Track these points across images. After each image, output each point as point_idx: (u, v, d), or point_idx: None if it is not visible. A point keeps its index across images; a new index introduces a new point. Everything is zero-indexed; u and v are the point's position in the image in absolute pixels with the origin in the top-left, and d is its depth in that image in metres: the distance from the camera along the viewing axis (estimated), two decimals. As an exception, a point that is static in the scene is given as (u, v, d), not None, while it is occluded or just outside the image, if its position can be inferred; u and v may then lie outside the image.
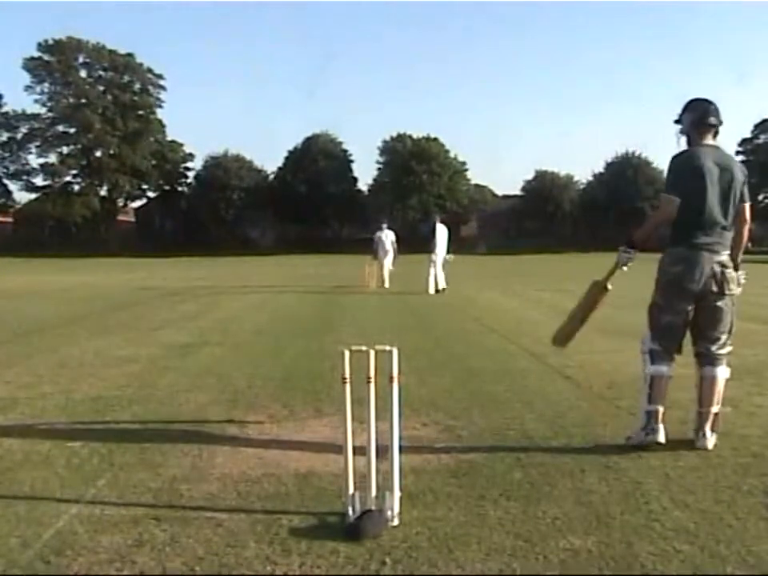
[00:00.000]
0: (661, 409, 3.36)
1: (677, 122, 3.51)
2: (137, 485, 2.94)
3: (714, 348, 3.42)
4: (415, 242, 18.84)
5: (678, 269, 3.34)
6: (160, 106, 58.80)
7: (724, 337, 3.44)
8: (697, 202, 3.30)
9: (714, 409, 3.39)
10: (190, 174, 60.18)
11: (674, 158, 3.43)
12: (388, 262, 15.48)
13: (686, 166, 3.37)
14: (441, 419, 3.99)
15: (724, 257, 3.38)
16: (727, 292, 3.37)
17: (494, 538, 2.40)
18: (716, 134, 3.44)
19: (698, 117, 3.40)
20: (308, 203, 53.22)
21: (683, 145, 3.49)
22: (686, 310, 3.37)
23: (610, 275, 3.54)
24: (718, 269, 3.34)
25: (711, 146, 3.41)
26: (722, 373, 3.43)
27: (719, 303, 3.38)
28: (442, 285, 13.69)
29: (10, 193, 56.68)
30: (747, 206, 3.46)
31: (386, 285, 14.85)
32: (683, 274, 3.33)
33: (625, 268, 3.45)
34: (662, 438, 3.32)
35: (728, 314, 3.41)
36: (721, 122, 3.42)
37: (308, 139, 57.48)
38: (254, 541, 2.39)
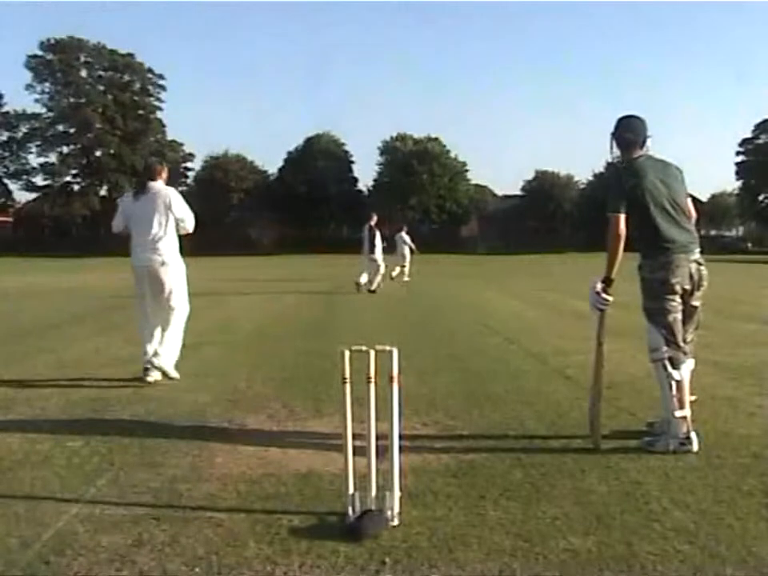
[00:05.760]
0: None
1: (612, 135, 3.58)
2: (137, 485, 2.94)
3: (687, 343, 3.46)
4: (415, 243, 18.84)
5: (660, 274, 3.35)
6: (160, 107, 58.90)
7: (696, 332, 3.53)
8: (654, 209, 3.34)
9: (692, 398, 3.45)
10: (190, 174, 60.21)
11: (612, 174, 3.48)
12: (369, 264, 14.07)
13: (627, 179, 3.39)
14: (441, 419, 3.99)
15: (697, 254, 3.42)
16: (701, 289, 3.43)
17: (494, 537, 2.40)
18: (642, 146, 3.50)
19: (619, 133, 3.50)
20: (308, 203, 53.20)
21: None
22: (679, 304, 3.38)
23: (600, 330, 3.49)
24: (694, 267, 3.39)
25: (641, 155, 3.48)
26: (692, 364, 3.48)
27: (695, 302, 3.44)
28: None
29: (10, 192, 56.77)
30: (689, 200, 3.54)
31: (372, 286, 13.71)
32: (667, 276, 3.33)
33: (604, 309, 3.42)
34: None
35: (701, 310, 3.48)
36: (645, 137, 3.49)
37: (308, 139, 57.48)
38: (253, 541, 2.39)
